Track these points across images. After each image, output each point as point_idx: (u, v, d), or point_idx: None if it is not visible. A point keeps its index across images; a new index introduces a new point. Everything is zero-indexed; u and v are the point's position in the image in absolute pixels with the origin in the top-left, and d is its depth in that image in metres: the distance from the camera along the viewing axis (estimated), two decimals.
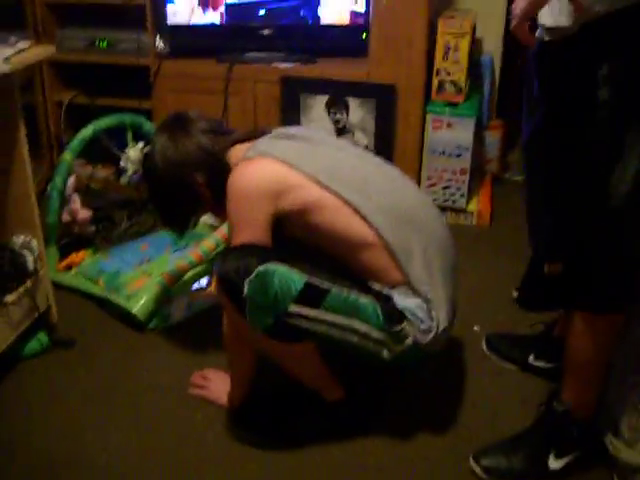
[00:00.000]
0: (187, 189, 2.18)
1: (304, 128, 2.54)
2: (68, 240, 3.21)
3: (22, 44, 2.34)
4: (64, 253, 3.12)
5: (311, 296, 1.92)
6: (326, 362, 2.16)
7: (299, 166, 2.03)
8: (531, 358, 2.47)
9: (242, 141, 2.19)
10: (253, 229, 1.98)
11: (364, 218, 1.99)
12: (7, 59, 2.22)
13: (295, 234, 2.07)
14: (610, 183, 1.73)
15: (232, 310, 1.98)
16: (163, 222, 2.36)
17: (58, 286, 2.85)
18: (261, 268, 1.89)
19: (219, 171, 2.13)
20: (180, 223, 2.35)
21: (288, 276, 1.90)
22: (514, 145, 3.99)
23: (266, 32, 3.59)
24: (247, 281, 1.89)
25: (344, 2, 3.49)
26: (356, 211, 1.99)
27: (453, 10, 3.66)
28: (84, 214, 3.21)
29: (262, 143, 2.13)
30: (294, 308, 1.91)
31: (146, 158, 2.30)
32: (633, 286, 1.87)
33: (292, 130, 2.25)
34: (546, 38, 1.83)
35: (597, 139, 1.73)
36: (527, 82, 1.99)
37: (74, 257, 3.09)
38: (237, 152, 2.15)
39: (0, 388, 2.44)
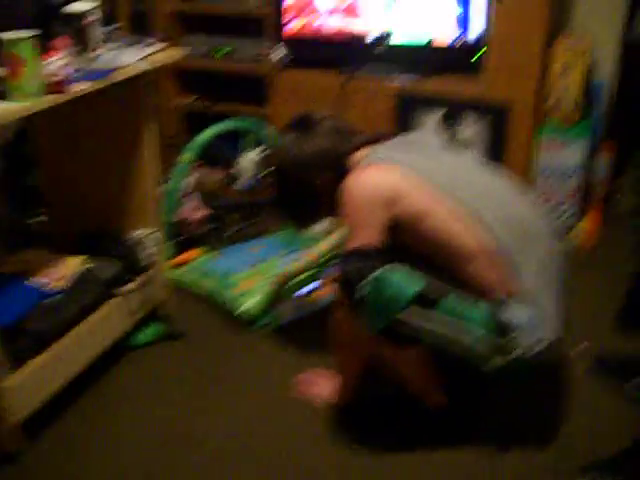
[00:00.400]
0: (311, 187, 2.26)
1: (424, 135, 2.58)
2: (182, 238, 3.32)
3: (156, 46, 2.46)
4: (178, 251, 3.22)
5: (426, 301, 1.95)
6: (432, 368, 2.21)
7: (417, 172, 2.08)
8: (636, 381, 2.46)
9: (366, 144, 2.25)
10: (370, 232, 2.04)
11: (482, 225, 2.02)
12: (144, 58, 2.34)
13: (409, 241, 2.11)
14: None
15: (349, 310, 2.03)
16: (287, 217, 2.45)
17: (170, 282, 2.94)
18: (382, 271, 1.94)
19: (341, 172, 2.19)
20: (303, 219, 2.45)
21: (406, 280, 1.95)
22: (624, 168, 3.95)
23: (382, 47, 3.65)
24: (367, 282, 1.94)
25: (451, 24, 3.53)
26: (473, 218, 2.03)
27: (570, 33, 3.67)
28: (202, 213, 3.33)
29: (382, 148, 2.20)
30: (408, 312, 1.94)
31: (272, 156, 2.37)
32: None
33: (412, 137, 2.31)
34: None
35: None
36: None
37: (188, 255, 3.20)
38: (358, 156, 2.22)
39: (115, 372, 2.58)
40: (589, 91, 3.73)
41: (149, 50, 2.41)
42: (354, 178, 2.11)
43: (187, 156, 3.19)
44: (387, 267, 1.94)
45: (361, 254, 2.00)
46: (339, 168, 2.21)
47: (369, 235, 2.03)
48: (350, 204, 2.08)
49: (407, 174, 2.08)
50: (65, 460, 2.20)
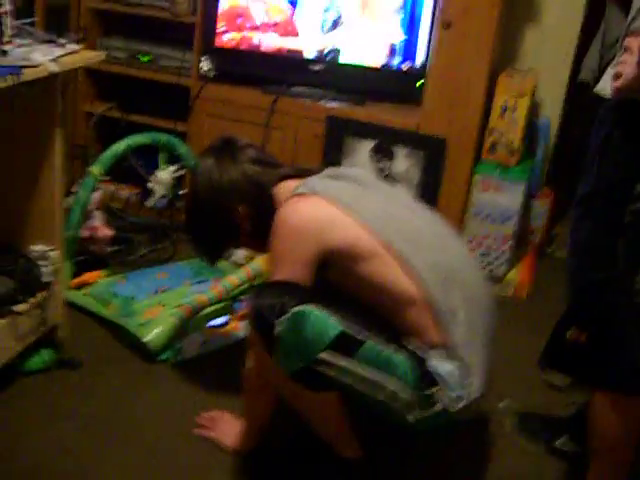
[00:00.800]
0: (227, 218, 2.25)
1: (356, 170, 2.59)
2: (83, 258, 3.25)
3: (72, 46, 2.42)
4: (77, 271, 3.17)
5: (345, 345, 1.95)
6: (348, 416, 2.20)
7: (351, 209, 2.08)
8: (559, 442, 2.50)
9: (291, 177, 2.26)
10: (295, 267, 2.03)
11: (412, 272, 2.03)
12: (56, 59, 2.30)
13: (336, 280, 2.11)
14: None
15: (260, 347, 2.02)
16: (196, 249, 2.42)
17: (67, 304, 2.88)
18: (297, 309, 1.93)
19: (263, 204, 2.20)
20: (214, 252, 2.41)
21: (324, 321, 1.94)
22: (562, 218, 4.04)
23: (317, 67, 3.68)
24: (281, 320, 1.93)
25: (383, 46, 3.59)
26: (405, 264, 2.03)
27: (514, 69, 3.74)
28: (105, 232, 3.27)
29: (314, 181, 2.19)
30: (325, 355, 1.94)
31: (191, 179, 2.36)
32: None
33: (344, 171, 2.32)
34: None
35: None
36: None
37: (88, 276, 3.16)
38: (285, 188, 2.21)
39: (2, 399, 2.49)
40: (532, 131, 3.81)
41: (62, 50, 2.37)
42: (288, 209, 2.11)
43: (97, 168, 3.14)
44: (306, 307, 1.93)
45: (277, 289, 2.00)
46: (260, 200, 2.21)
47: (293, 271, 2.03)
48: (280, 235, 2.08)
49: (343, 209, 2.08)
50: None
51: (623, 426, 2.01)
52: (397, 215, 2.15)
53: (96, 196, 3.24)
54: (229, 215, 2.24)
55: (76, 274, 3.15)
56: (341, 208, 2.08)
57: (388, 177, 3.56)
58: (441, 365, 2.01)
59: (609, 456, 2.06)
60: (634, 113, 1.82)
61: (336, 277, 2.11)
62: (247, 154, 2.25)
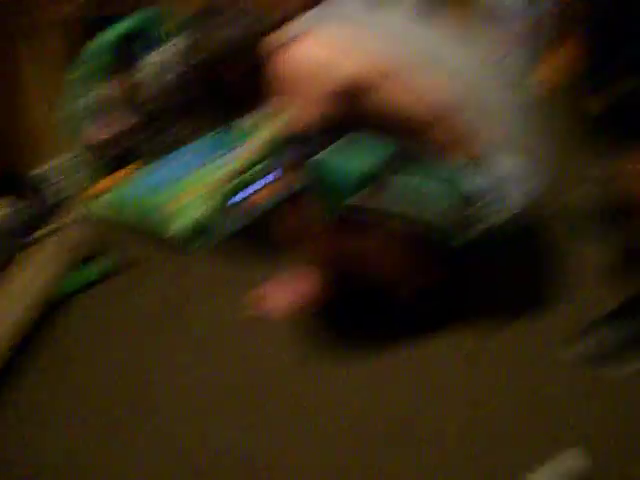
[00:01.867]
0: (232, 80, 2.19)
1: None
2: (108, 159, 3.19)
3: None
4: (106, 173, 3.13)
5: (379, 178, 1.95)
6: (406, 253, 2.18)
7: (355, 35, 2.05)
8: None
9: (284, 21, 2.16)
10: (313, 108, 1.99)
11: (439, 79, 2.00)
12: None
13: (361, 111, 2.04)
14: None
15: (298, 197, 2.06)
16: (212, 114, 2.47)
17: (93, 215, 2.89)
18: (328, 151, 1.94)
19: (259, 58, 2.12)
20: (229, 112, 2.41)
21: (356, 158, 1.94)
22: None
23: None
24: (306, 170, 1.96)
25: None
26: (430, 72, 2.00)
27: None
28: (124, 125, 3.22)
29: (308, 19, 2.12)
30: (359, 195, 1.95)
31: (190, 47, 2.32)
32: None
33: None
34: None
35: None
36: None
37: (114, 177, 3.12)
38: (279, 34, 2.13)
39: (53, 323, 2.51)
40: None
41: None
42: (290, 50, 2.04)
43: (81, 69, 3.06)
44: (336, 148, 1.94)
45: (308, 135, 1.98)
46: (258, 53, 2.14)
47: (312, 111, 1.99)
48: (287, 80, 2.03)
49: (344, 37, 2.04)
50: (25, 418, 2.18)
51: None
52: (406, 32, 2.10)
53: (102, 93, 3.17)
54: (236, 75, 2.18)
55: (104, 177, 3.10)
56: (345, 35, 2.05)
57: None
58: (477, 181, 2.01)
59: None
60: None
61: (360, 106, 2.04)
62: (232, 11, 2.16)
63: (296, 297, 2.40)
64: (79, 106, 3.04)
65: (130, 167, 3.19)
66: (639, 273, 2.13)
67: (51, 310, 2.52)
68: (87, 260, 2.67)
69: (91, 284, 2.66)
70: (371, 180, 1.94)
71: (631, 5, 1.93)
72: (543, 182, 2.05)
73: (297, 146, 1.99)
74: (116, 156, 3.24)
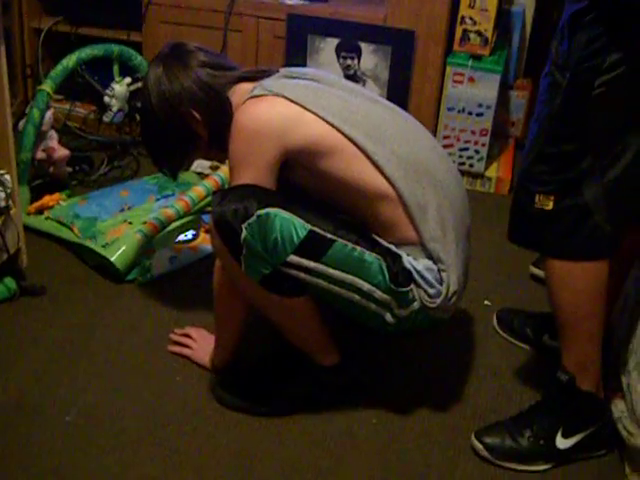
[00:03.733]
0: (182, 127, 2.25)
1: (314, 69, 2.59)
2: (41, 181, 3.28)
3: None
4: (36, 195, 3.18)
5: (314, 246, 1.99)
6: (324, 323, 2.23)
7: (311, 107, 2.09)
8: (546, 337, 2.55)
9: (247, 79, 2.25)
10: (256, 170, 2.04)
11: (378, 167, 2.05)
12: None
13: (301, 181, 2.14)
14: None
15: (227, 256, 2.05)
16: (155, 162, 2.42)
17: (28, 230, 2.93)
18: (262, 212, 1.96)
19: (219, 109, 2.20)
20: (173, 164, 2.41)
21: (291, 222, 1.98)
22: None
23: None
24: (246, 225, 1.96)
25: None
26: (370, 159, 2.05)
27: None
28: (62, 153, 3.26)
29: (271, 82, 2.19)
30: (294, 258, 1.98)
31: (139, 91, 2.34)
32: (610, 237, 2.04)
33: (302, 70, 2.31)
34: None
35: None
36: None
37: (47, 199, 3.14)
38: (241, 90, 2.21)
39: None
40: (504, 20, 3.81)
41: None
42: (245, 110, 2.11)
43: (48, 84, 3.13)
44: (271, 209, 1.97)
45: (239, 193, 2.01)
46: (214, 104, 2.21)
47: (255, 173, 2.04)
48: (237, 140, 2.09)
49: (302, 107, 2.09)
50: None
51: (583, 293, 2.07)
52: (360, 109, 2.16)
53: (49, 115, 3.22)
54: (184, 123, 2.24)
55: (35, 199, 3.15)
56: (299, 106, 2.09)
57: (356, 76, 3.56)
58: (415, 261, 2.06)
59: (577, 330, 2.11)
60: None
61: (301, 178, 2.13)
62: (197, 58, 2.24)
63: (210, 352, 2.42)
64: (40, 120, 3.09)
65: (62, 193, 3.23)
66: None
67: None
68: (8, 274, 2.69)
69: (8, 299, 2.68)
70: (310, 244, 1.98)
71: None
72: (459, 279, 2.11)
73: (230, 202, 1.99)
74: (57, 177, 3.30)
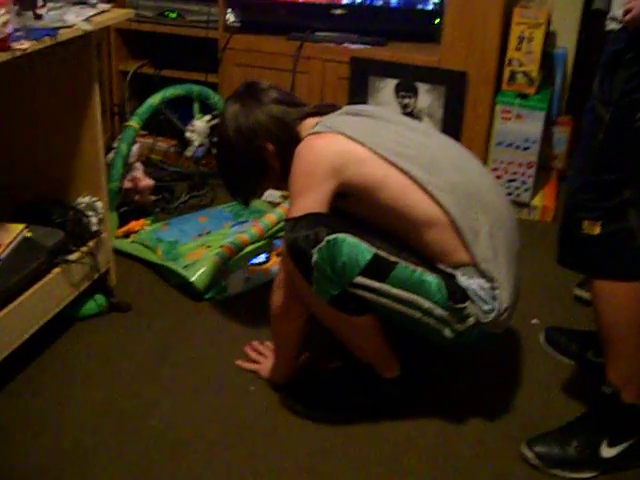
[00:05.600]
0: (256, 158, 2.28)
1: (373, 106, 2.60)
2: (127, 208, 3.32)
3: (103, 6, 2.46)
4: (123, 221, 3.23)
5: (378, 268, 2.00)
6: (386, 337, 2.24)
7: (367, 142, 2.10)
8: (590, 354, 2.53)
9: (313, 115, 2.28)
10: (315, 200, 2.05)
11: (431, 196, 2.06)
12: (88, 19, 2.34)
13: (358, 211, 2.15)
14: None
15: (299, 278, 2.06)
16: (229, 191, 2.44)
17: (116, 252, 2.97)
18: (331, 237, 1.97)
19: (289, 142, 2.21)
20: (246, 193, 2.43)
21: (357, 247, 1.98)
22: None
23: (338, 12, 3.66)
24: (317, 249, 1.97)
25: None
26: (423, 188, 2.06)
27: (529, 0, 3.71)
28: (147, 182, 3.32)
29: (331, 118, 2.22)
30: (360, 280, 1.99)
31: (217, 126, 2.37)
32: None
33: (361, 107, 2.33)
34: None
35: None
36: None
37: (133, 225, 3.20)
38: (307, 125, 2.24)
39: (56, 346, 2.57)
40: (549, 61, 3.79)
41: (94, 10, 2.39)
42: (305, 145, 2.14)
43: (135, 121, 3.19)
44: (339, 235, 1.97)
45: (309, 221, 2.02)
46: (286, 137, 2.23)
47: (314, 203, 2.05)
48: (297, 171, 2.11)
49: (358, 143, 2.10)
50: (12, 436, 2.20)
51: (628, 310, 2.05)
52: (414, 143, 2.16)
53: (135, 149, 3.28)
54: (258, 155, 2.26)
55: (122, 224, 3.21)
56: (357, 142, 2.10)
57: (413, 113, 3.57)
58: (470, 280, 2.06)
59: (622, 345, 2.09)
60: None
61: (358, 207, 2.14)
62: (270, 95, 2.28)
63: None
64: (127, 153, 3.14)
65: (147, 219, 3.27)
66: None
67: (57, 332, 2.60)
68: (99, 292, 2.73)
69: (98, 315, 2.72)
70: (374, 267, 1.99)
71: None
72: (510, 296, 2.11)
73: (301, 229, 2.00)
74: (138, 206, 3.35)
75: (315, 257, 1.97)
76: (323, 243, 1.97)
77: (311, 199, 2.05)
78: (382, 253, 2.01)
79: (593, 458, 2.12)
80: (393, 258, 2.02)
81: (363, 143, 2.10)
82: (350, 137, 2.11)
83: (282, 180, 2.28)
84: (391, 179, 2.08)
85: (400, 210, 2.08)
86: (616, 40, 1.92)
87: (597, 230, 2.02)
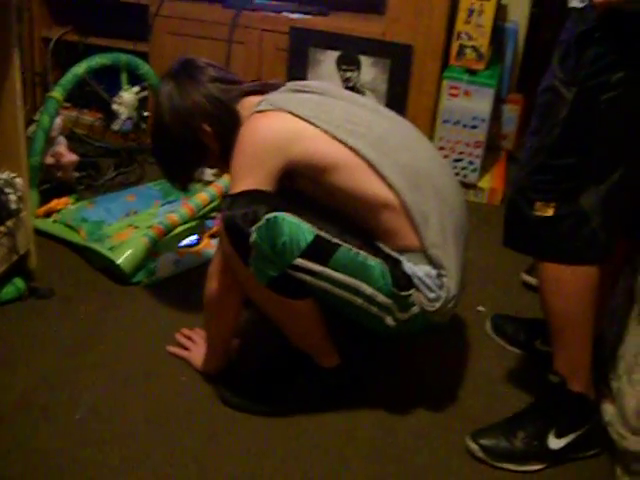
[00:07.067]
0: (194, 140, 2.26)
1: (317, 82, 2.59)
2: (49, 185, 3.27)
3: None
4: (44, 199, 3.18)
5: (319, 250, 1.99)
6: (326, 325, 2.23)
7: (314, 120, 2.09)
8: (538, 343, 2.55)
9: (254, 93, 2.27)
10: (257, 178, 2.04)
11: (382, 177, 2.06)
12: None
13: (305, 189, 2.14)
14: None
15: (235, 259, 2.05)
16: (167, 176, 2.42)
17: (36, 232, 2.90)
18: (271, 215, 1.95)
19: (229, 122, 2.20)
20: (185, 177, 2.42)
21: (298, 227, 1.97)
22: None
23: None
24: (255, 228, 1.96)
25: None
26: (374, 169, 2.06)
27: None
28: (70, 158, 3.26)
29: (276, 96, 2.20)
30: (301, 261, 1.98)
31: (146, 99, 2.34)
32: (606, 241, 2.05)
33: (307, 83, 2.32)
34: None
35: None
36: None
37: (55, 203, 3.15)
38: (248, 104, 2.22)
39: None
40: (498, 36, 3.81)
41: None
42: (250, 125, 2.12)
43: (58, 92, 3.13)
44: (279, 213, 1.96)
45: (247, 198, 2.01)
46: (224, 117, 2.22)
47: (257, 181, 2.04)
48: (240, 152, 2.09)
49: (305, 121, 2.10)
50: None
51: (576, 296, 2.08)
52: (362, 120, 2.16)
53: (58, 121, 3.22)
54: (195, 136, 2.24)
55: (43, 202, 3.15)
56: (303, 120, 2.09)
57: (355, 88, 3.57)
58: (416, 267, 2.06)
59: (569, 333, 2.12)
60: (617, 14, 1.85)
61: (305, 186, 2.13)
62: (207, 74, 2.25)
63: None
64: (49, 126, 3.09)
65: (69, 197, 3.23)
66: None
67: None
68: (17, 275, 2.68)
69: (17, 299, 2.67)
70: (316, 248, 1.98)
71: None
72: (457, 285, 2.12)
73: (239, 206, 1.99)
74: (65, 182, 3.30)
75: (254, 236, 1.96)
76: (262, 221, 1.95)
77: (253, 179, 2.04)
78: (324, 234, 2.00)
79: (540, 450, 2.14)
80: (335, 240, 2.01)
81: (310, 121, 2.09)
82: (297, 115, 2.10)
83: (221, 161, 2.27)
84: (340, 158, 2.07)
85: (350, 191, 2.07)
86: (581, 19, 1.91)
87: (550, 212, 2.03)
